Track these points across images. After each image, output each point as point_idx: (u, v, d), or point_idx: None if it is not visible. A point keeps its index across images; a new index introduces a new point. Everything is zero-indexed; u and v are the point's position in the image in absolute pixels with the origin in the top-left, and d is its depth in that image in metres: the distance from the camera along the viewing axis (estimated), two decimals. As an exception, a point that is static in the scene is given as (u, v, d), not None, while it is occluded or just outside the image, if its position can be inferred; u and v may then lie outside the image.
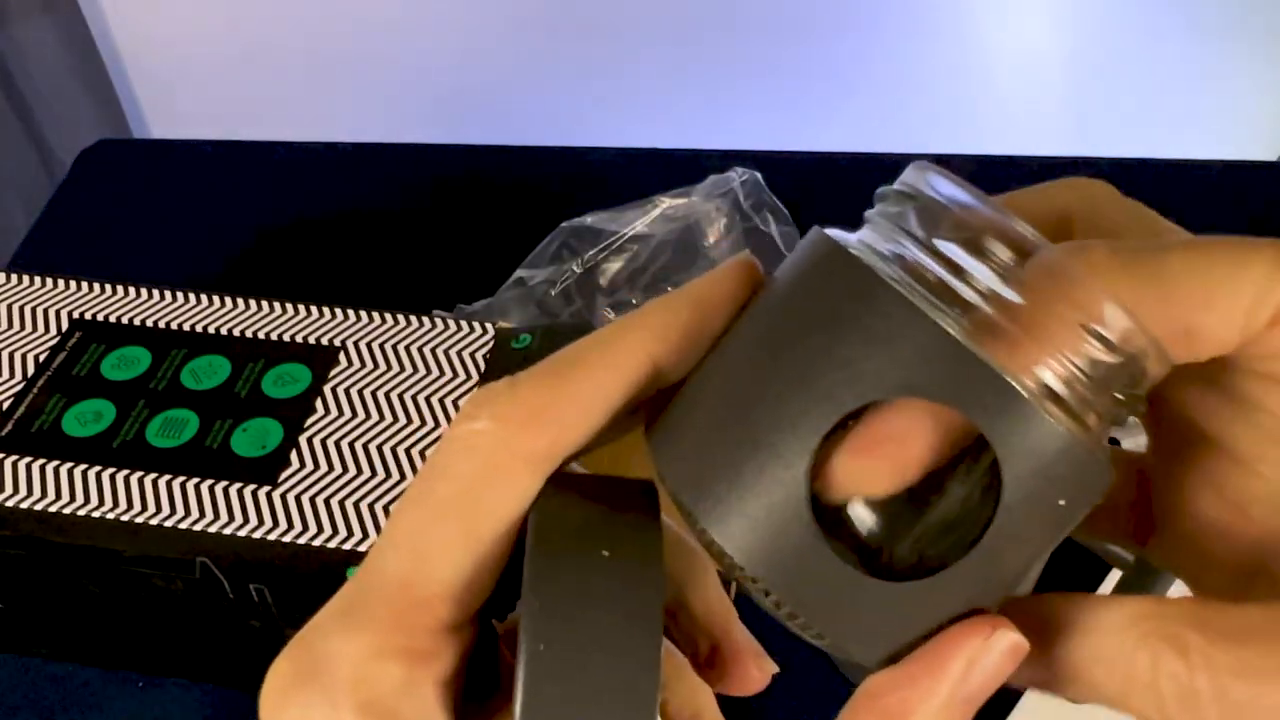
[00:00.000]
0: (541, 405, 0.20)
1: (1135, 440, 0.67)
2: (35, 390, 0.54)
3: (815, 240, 0.21)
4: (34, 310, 0.58)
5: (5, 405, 0.53)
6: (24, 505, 0.49)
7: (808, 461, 0.19)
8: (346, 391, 0.54)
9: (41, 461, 0.50)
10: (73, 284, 0.59)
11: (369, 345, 0.56)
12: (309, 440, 0.51)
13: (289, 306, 0.58)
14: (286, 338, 0.56)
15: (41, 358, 0.55)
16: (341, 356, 0.55)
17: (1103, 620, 0.20)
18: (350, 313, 0.58)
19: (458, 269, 0.81)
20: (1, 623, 0.56)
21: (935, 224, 0.20)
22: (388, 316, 0.58)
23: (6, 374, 0.54)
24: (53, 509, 0.49)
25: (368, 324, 0.57)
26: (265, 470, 0.50)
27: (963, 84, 1.20)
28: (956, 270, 0.20)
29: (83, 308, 0.58)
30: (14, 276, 0.59)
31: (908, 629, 0.20)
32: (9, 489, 0.49)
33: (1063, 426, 0.19)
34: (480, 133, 0.96)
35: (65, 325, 0.57)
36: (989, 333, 0.19)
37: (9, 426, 0.52)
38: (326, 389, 0.54)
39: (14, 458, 0.51)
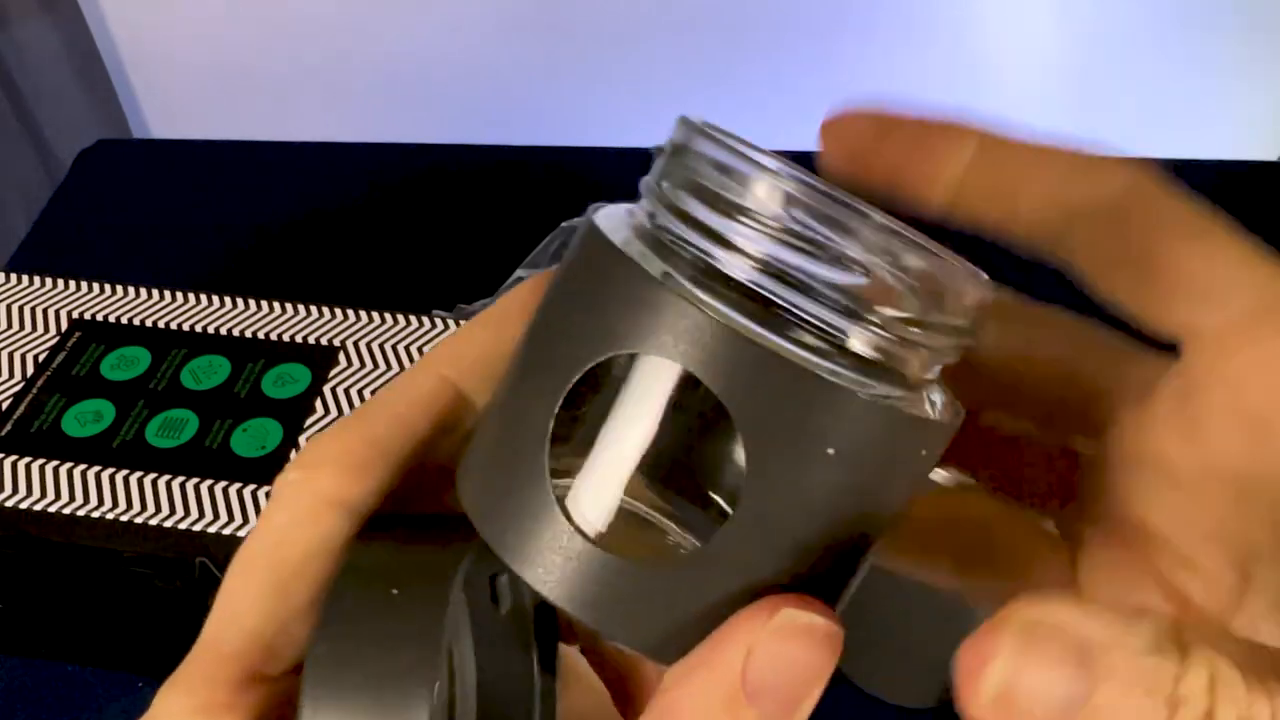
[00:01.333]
0: (342, 448, 0.20)
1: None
2: (35, 390, 0.54)
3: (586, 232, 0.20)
4: (33, 310, 0.58)
5: (5, 405, 0.53)
6: (24, 505, 0.49)
7: (545, 446, 0.18)
8: (346, 391, 0.54)
9: (41, 461, 0.50)
10: (72, 284, 0.59)
11: (369, 345, 0.56)
12: (309, 440, 0.51)
13: (289, 306, 0.58)
14: (286, 338, 0.56)
15: (41, 358, 0.55)
16: (341, 356, 0.55)
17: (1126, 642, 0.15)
18: (350, 313, 0.58)
19: (458, 269, 0.80)
20: (1, 623, 0.56)
21: (683, 180, 0.19)
22: (388, 316, 0.58)
23: (6, 374, 0.54)
24: (52, 509, 0.49)
25: (368, 324, 0.57)
26: (265, 470, 0.50)
27: (963, 84, 1.20)
28: (687, 219, 0.18)
29: (82, 308, 0.58)
30: (13, 276, 0.59)
31: (691, 618, 0.17)
32: (8, 489, 0.49)
33: (790, 358, 0.17)
34: (480, 133, 0.96)
35: (65, 325, 0.57)
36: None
37: (8, 426, 0.52)
38: (326, 389, 0.54)
39: (13, 458, 0.51)
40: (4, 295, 0.58)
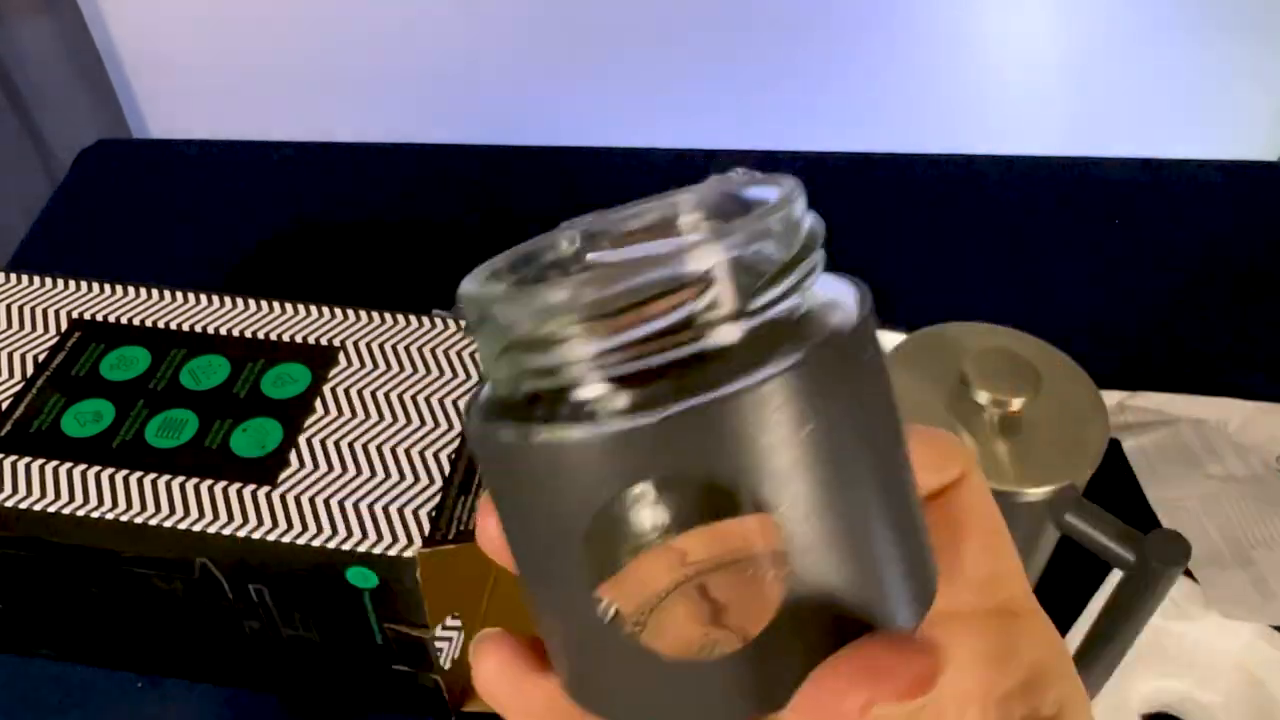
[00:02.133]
0: None
1: (1135, 440, 0.67)
2: (34, 390, 0.54)
3: (467, 434, 0.20)
4: (33, 310, 0.58)
5: (4, 405, 0.53)
6: (24, 505, 0.49)
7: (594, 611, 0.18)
8: (346, 391, 0.54)
9: (41, 461, 0.50)
10: (72, 284, 0.59)
11: (369, 345, 0.56)
12: (309, 440, 0.51)
13: (289, 306, 0.58)
14: (286, 338, 0.56)
15: (41, 358, 0.55)
16: (341, 356, 0.55)
17: None
18: (350, 313, 0.58)
19: (458, 269, 0.80)
20: (1, 623, 0.56)
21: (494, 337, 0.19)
22: (388, 316, 0.58)
23: (6, 374, 0.54)
24: (52, 509, 0.49)
25: (368, 324, 0.57)
26: (265, 470, 0.50)
27: (963, 84, 1.20)
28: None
29: (82, 308, 0.58)
30: (13, 276, 0.59)
31: (798, 659, 0.17)
32: (9, 489, 0.49)
33: (714, 397, 0.16)
34: (480, 133, 0.96)
35: (64, 325, 0.57)
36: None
37: (8, 426, 0.52)
38: (326, 389, 0.54)
39: (13, 458, 0.51)
40: (4, 295, 0.58)
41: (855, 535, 0.17)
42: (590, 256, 0.20)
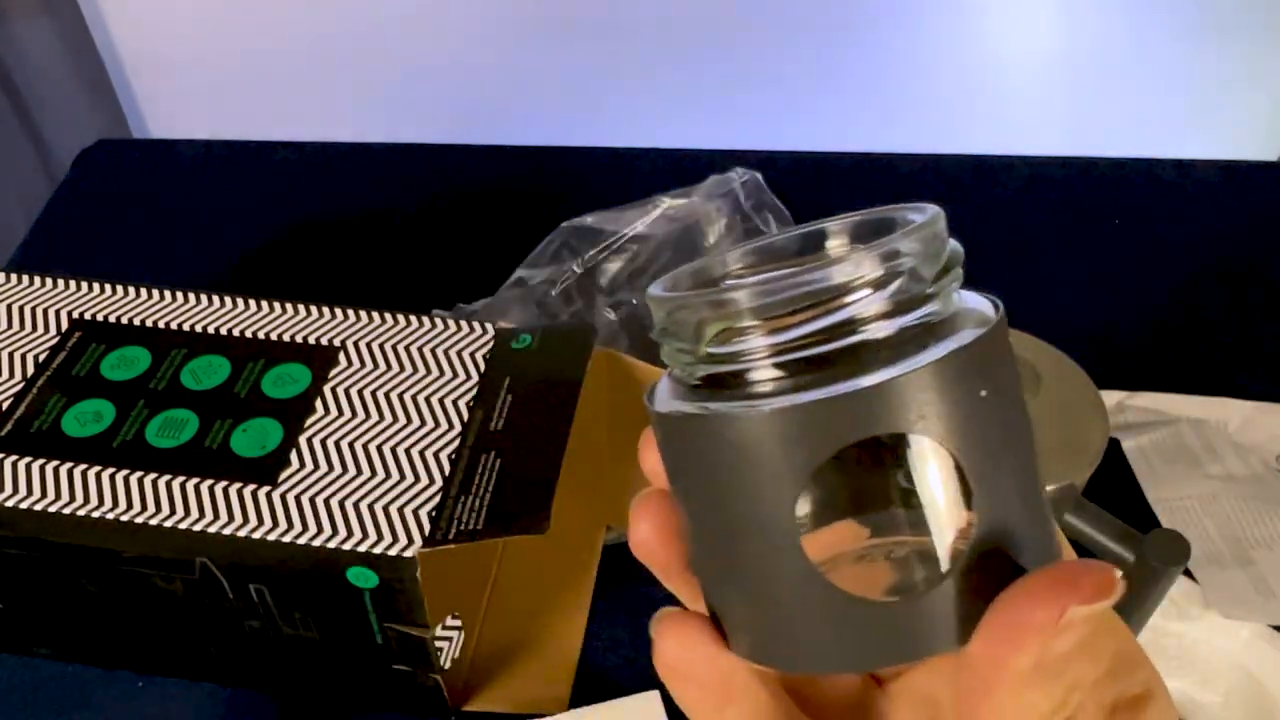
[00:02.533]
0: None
1: (1134, 440, 0.67)
2: (35, 390, 0.54)
3: (657, 423, 0.22)
4: (34, 310, 0.58)
5: (5, 405, 0.53)
6: (24, 505, 0.49)
7: (807, 567, 0.21)
8: (346, 391, 0.54)
9: (41, 461, 0.50)
10: (72, 284, 0.59)
11: (369, 345, 0.56)
12: (309, 440, 0.51)
13: (289, 306, 0.58)
14: (286, 338, 0.56)
15: (41, 358, 0.55)
16: (341, 356, 0.55)
17: None
18: (350, 313, 0.58)
19: (458, 269, 0.80)
20: (1, 623, 0.56)
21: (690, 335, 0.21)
22: (388, 316, 0.58)
23: (6, 374, 0.54)
24: (52, 509, 0.49)
25: (368, 324, 0.57)
26: (265, 470, 0.50)
27: (963, 84, 1.20)
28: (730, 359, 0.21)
29: (82, 308, 0.58)
30: (14, 276, 0.59)
31: (976, 598, 0.20)
32: (9, 489, 0.49)
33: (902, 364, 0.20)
34: (480, 133, 0.96)
35: (65, 325, 0.57)
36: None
37: (9, 426, 0.52)
38: (326, 389, 0.54)
39: (13, 458, 0.51)
40: (4, 295, 0.58)
41: (1020, 486, 0.21)
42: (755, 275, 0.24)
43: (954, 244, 0.22)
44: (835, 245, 0.24)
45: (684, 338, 0.21)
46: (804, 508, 0.21)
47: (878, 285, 0.20)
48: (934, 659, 0.22)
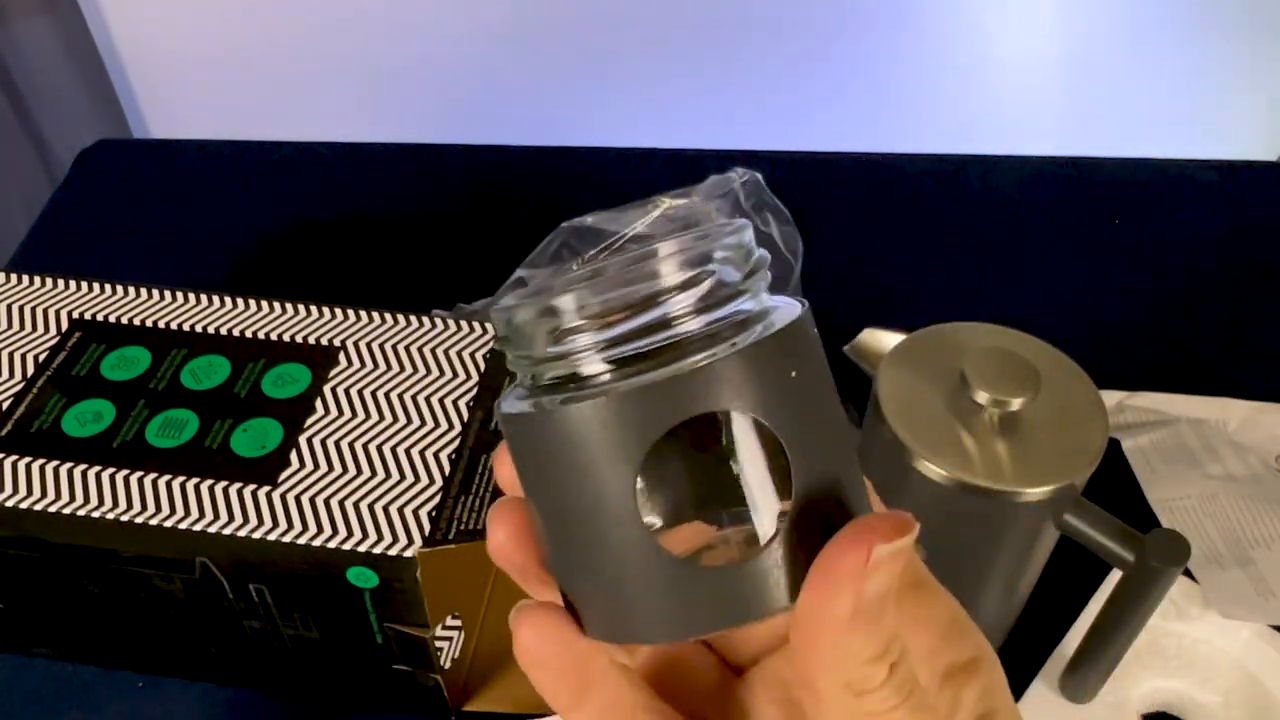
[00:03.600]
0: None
1: (1134, 440, 0.67)
2: (35, 390, 0.54)
3: (503, 426, 0.24)
4: (34, 310, 0.58)
5: (5, 405, 0.53)
6: (24, 505, 0.49)
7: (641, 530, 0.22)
8: (346, 391, 0.54)
9: (41, 461, 0.50)
10: (72, 284, 0.59)
11: (369, 345, 0.56)
12: (309, 440, 0.51)
13: (289, 306, 0.58)
14: (286, 338, 0.56)
15: (41, 358, 0.55)
16: (341, 356, 0.55)
17: None
18: (350, 313, 0.58)
19: (458, 269, 0.80)
20: (1, 623, 0.56)
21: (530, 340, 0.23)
22: (388, 316, 0.58)
23: (6, 374, 0.54)
24: (53, 509, 0.49)
25: (368, 324, 0.57)
26: (265, 470, 0.50)
27: (963, 84, 1.20)
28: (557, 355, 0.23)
29: (82, 308, 0.58)
30: (14, 276, 0.59)
31: (797, 563, 0.22)
32: (9, 489, 0.49)
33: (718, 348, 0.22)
34: (480, 133, 0.96)
35: (65, 325, 0.57)
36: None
37: (9, 426, 0.52)
38: (326, 389, 0.54)
39: (14, 458, 0.51)
40: (4, 295, 0.58)
41: (832, 454, 0.23)
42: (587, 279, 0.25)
43: (761, 251, 0.24)
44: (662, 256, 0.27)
45: (522, 344, 0.23)
46: (652, 516, 0.23)
47: (689, 285, 0.23)
48: (779, 635, 0.26)
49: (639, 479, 0.22)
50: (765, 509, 0.23)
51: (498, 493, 0.49)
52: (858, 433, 0.51)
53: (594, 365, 0.23)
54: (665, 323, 0.22)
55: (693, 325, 0.23)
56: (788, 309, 0.24)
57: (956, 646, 0.25)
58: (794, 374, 0.23)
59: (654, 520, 0.24)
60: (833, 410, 0.24)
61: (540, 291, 0.25)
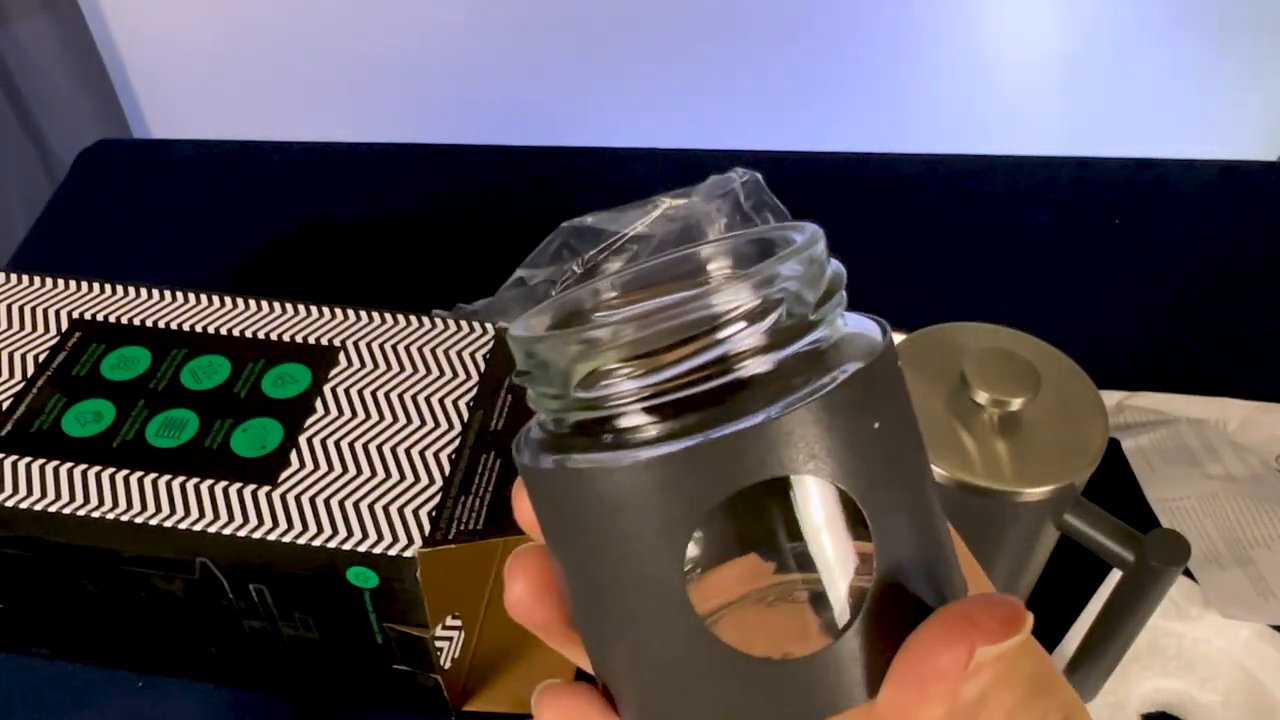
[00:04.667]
0: None
1: (1134, 440, 0.67)
2: (35, 390, 0.54)
3: (524, 476, 0.21)
4: (34, 310, 0.58)
5: (5, 405, 0.53)
6: (24, 505, 0.49)
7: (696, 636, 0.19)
8: (346, 391, 0.54)
9: (41, 461, 0.50)
10: (72, 284, 0.59)
11: (369, 345, 0.56)
12: (309, 440, 0.51)
13: (289, 306, 0.58)
14: (286, 338, 0.56)
15: (41, 358, 0.55)
16: (341, 356, 0.55)
17: None
18: (350, 313, 0.58)
19: (458, 269, 0.80)
20: (1, 623, 0.56)
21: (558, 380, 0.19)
22: (388, 316, 0.58)
23: (6, 374, 0.54)
24: (53, 509, 0.49)
25: (368, 324, 0.57)
26: (265, 470, 0.50)
27: (963, 84, 1.20)
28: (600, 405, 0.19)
29: (82, 308, 0.58)
30: (14, 276, 0.59)
31: (880, 649, 0.19)
32: (9, 489, 0.49)
33: (773, 403, 0.18)
34: (480, 133, 0.96)
35: (65, 325, 0.57)
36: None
37: (9, 426, 0.52)
38: (326, 389, 0.54)
39: (14, 458, 0.51)
40: (4, 295, 0.58)
41: (918, 523, 0.19)
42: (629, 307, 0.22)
43: (836, 265, 0.20)
44: (715, 269, 0.22)
45: (548, 381, 0.19)
46: (694, 548, 0.19)
47: (755, 316, 0.18)
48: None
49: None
50: (840, 584, 0.19)
51: (498, 493, 0.49)
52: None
53: (637, 414, 0.19)
54: (726, 363, 0.18)
55: (759, 366, 0.18)
56: (866, 336, 0.20)
57: (1041, 706, 0.21)
58: (877, 425, 0.19)
59: (696, 563, 0.20)
60: (919, 464, 0.20)
61: (565, 310, 0.21)
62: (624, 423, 0.19)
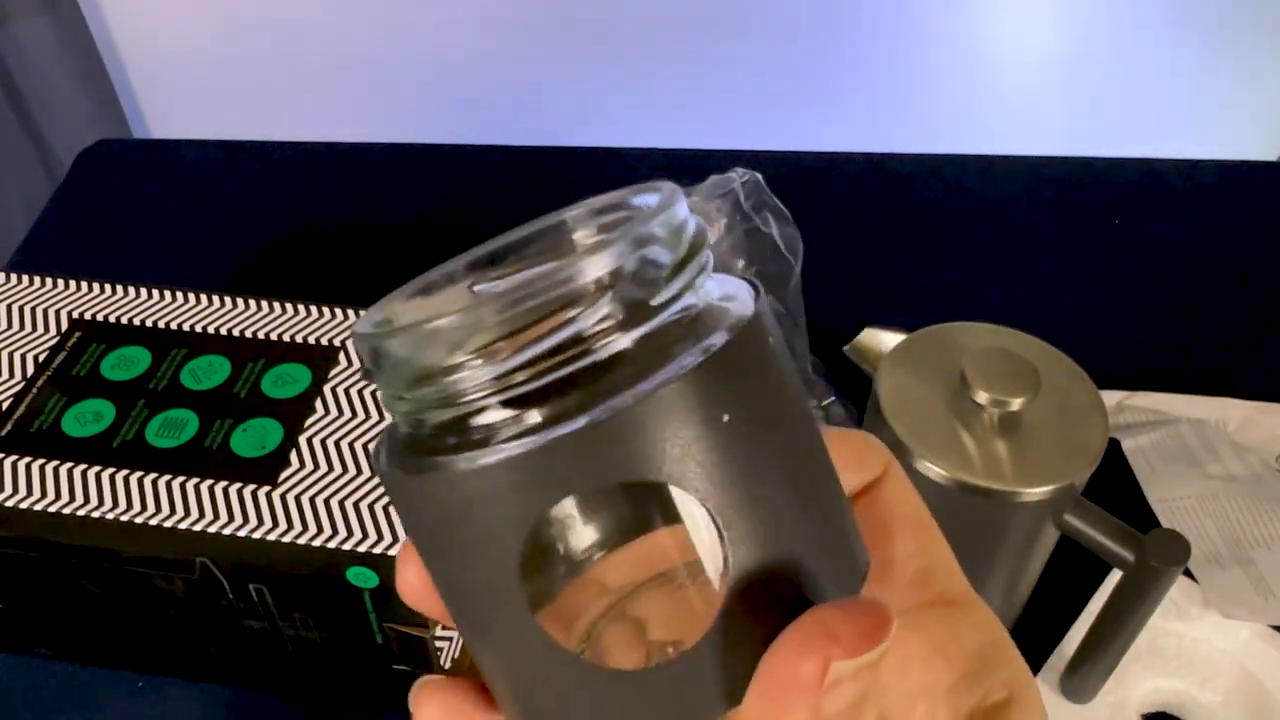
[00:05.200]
0: None
1: (1134, 440, 0.67)
2: (35, 390, 0.54)
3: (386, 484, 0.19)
4: (34, 310, 0.58)
5: (5, 405, 0.53)
6: (24, 505, 0.49)
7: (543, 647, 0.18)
8: (346, 391, 0.54)
9: (41, 461, 0.50)
10: (72, 284, 0.59)
11: (369, 345, 0.56)
12: (309, 440, 0.51)
13: (289, 306, 0.58)
14: (286, 338, 0.56)
15: (41, 358, 0.55)
16: (341, 356, 0.55)
17: None
18: (350, 313, 0.58)
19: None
20: (1, 623, 0.56)
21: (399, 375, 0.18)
22: (388, 316, 0.58)
23: (6, 374, 0.54)
24: (53, 509, 0.49)
25: (368, 324, 0.57)
26: (265, 470, 0.50)
27: (963, 84, 1.20)
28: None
29: (82, 308, 0.58)
30: (14, 276, 0.59)
31: (744, 655, 0.18)
32: (9, 489, 0.49)
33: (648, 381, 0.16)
34: (480, 133, 0.96)
35: (65, 325, 0.57)
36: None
37: (9, 426, 0.52)
38: (326, 389, 0.54)
39: (14, 458, 0.51)
40: (4, 295, 0.58)
41: (784, 517, 0.17)
42: (479, 286, 0.20)
43: (696, 223, 0.18)
44: (579, 236, 0.21)
45: (392, 381, 0.17)
46: (594, 531, 0.19)
47: (603, 290, 0.16)
48: None
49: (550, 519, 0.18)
50: (711, 583, 0.18)
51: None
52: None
53: (491, 410, 0.17)
54: (574, 347, 0.16)
55: (616, 345, 0.16)
56: (734, 300, 0.18)
57: (984, 684, 0.21)
58: (744, 405, 0.17)
59: (590, 550, 0.19)
60: (798, 439, 0.18)
61: (414, 297, 0.19)
62: (477, 421, 0.17)
